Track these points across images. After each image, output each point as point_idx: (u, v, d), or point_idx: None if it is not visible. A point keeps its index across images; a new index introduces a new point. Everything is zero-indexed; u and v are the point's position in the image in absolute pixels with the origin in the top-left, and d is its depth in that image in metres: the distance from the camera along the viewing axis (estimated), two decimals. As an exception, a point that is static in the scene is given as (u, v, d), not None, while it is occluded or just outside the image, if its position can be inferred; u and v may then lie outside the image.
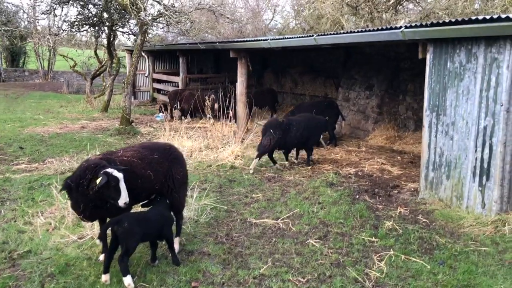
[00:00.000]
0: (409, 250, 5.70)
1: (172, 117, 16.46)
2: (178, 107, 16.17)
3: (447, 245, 5.82)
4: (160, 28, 19.30)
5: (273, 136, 9.32)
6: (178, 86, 19.28)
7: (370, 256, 5.54)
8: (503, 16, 5.87)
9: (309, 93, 17.37)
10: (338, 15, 19.00)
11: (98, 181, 4.59)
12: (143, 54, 21.70)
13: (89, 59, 27.46)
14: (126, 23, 18.40)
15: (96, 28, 18.73)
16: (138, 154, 5.17)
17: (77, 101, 21.84)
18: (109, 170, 4.69)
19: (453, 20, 6.57)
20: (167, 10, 13.18)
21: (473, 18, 6.30)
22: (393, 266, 5.28)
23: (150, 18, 13.40)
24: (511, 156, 6.36)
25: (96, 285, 4.74)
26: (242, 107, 13.67)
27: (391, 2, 17.06)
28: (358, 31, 8.92)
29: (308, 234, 6.22)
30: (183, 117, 15.58)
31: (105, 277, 4.77)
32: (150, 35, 20.68)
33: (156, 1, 14.01)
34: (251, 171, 9.30)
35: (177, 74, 19.62)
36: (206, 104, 12.96)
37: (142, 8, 12.74)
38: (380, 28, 8.30)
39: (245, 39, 16.54)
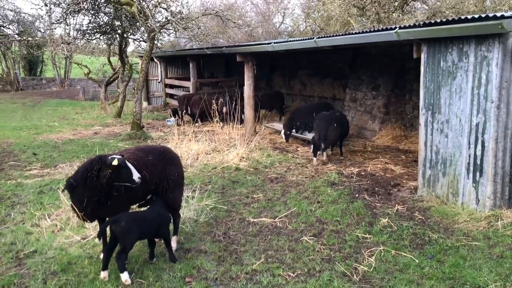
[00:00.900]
0: (401, 245, 5.81)
1: (182, 121, 16.77)
2: (188, 111, 16.45)
3: (439, 240, 5.91)
4: (168, 35, 19.63)
5: (335, 129, 10.38)
6: (189, 91, 19.61)
7: (361, 252, 5.67)
8: (491, 15, 5.98)
9: (317, 95, 17.48)
10: (346, 16, 19.11)
11: (115, 162, 4.89)
12: (155, 60, 22.14)
13: (103, 66, 28.03)
14: (137, 30, 18.79)
15: (108, 35, 19.17)
16: (133, 156, 5.41)
17: (92, 107, 22.37)
18: (113, 156, 5.03)
19: (444, 20, 6.70)
20: (174, 17, 13.48)
21: (463, 17, 6.44)
22: (382, 261, 5.40)
23: (158, 25, 13.71)
24: (503, 152, 6.45)
25: (96, 281, 4.99)
26: (249, 110, 13.89)
27: (397, 4, 17.10)
28: (355, 33, 9.08)
29: (303, 232, 6.38)
30: (194, 121, 15.88)
31: (103, 274, 5.02)
32: (162, 41, 21.05)
33: (164, 8, 14.33)
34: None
35: (189, 79, 19.94)
36: (213, 108, 13.22)
37: (150, 15, 13.08)
38: (375, 29, 8.46)
39: (251, 43, 16.76)
